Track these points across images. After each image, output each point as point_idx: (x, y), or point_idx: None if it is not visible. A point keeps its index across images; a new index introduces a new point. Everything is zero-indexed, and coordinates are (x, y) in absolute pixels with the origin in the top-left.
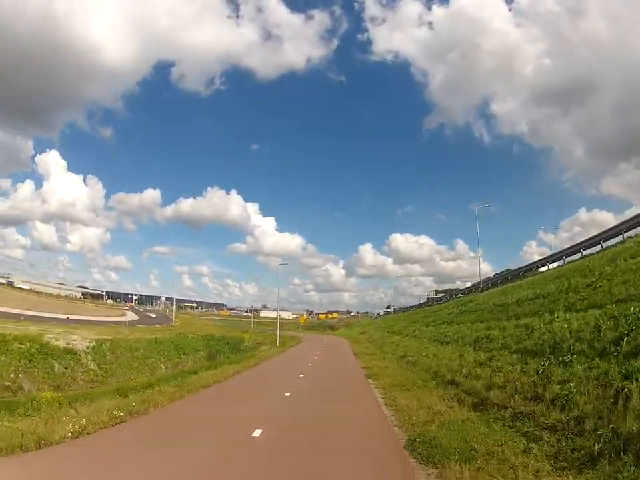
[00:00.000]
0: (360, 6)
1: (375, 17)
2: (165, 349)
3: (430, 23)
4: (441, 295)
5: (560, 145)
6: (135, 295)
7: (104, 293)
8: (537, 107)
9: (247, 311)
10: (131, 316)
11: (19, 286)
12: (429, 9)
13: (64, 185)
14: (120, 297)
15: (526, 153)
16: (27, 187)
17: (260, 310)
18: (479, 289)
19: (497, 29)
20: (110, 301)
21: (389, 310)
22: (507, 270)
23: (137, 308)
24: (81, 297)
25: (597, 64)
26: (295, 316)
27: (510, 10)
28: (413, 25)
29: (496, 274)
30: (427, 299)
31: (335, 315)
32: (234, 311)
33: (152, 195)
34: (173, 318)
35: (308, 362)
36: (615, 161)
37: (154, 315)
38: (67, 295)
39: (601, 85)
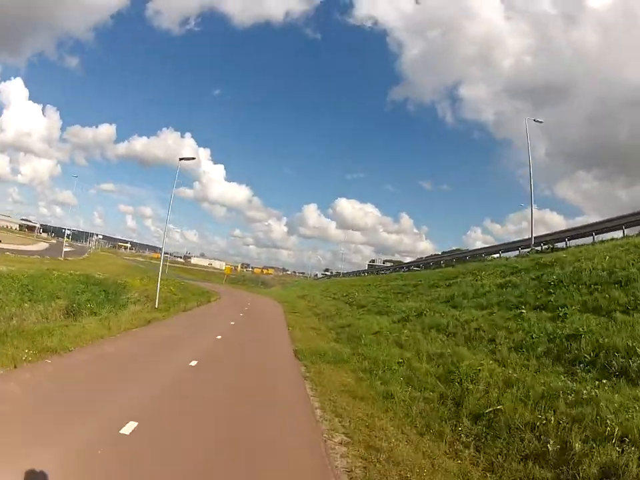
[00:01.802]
0: None
1: None
2: (6, 290)
3: None
4: (389, 264)
5: (522, 140)
6: (69, 229)
7: (38, 226)
8: (507, 99)
9: (180, 257)
10: (42, 246)
11: None
12: None
13: (23, 114)
14: (55, 232)
15: (486, 142)
16: None
17: (191, 256)
18: (422, 267)
19: (484, 16)
20: (44, 234)
21: (327, 273)
22: (455, 250)
23: (61, 241)
24: (16, 229)
25: (577, 72)
26: (228, 266)
27: (502, 1)
28: None
29: (444, 252)
30: (371, 265)
31: (271, 270)
32: (166, 255)
33: (107, 130)
34: (86, 253)
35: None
36: (575, 168)
37: (69, 249)
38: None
39: (576, 93)
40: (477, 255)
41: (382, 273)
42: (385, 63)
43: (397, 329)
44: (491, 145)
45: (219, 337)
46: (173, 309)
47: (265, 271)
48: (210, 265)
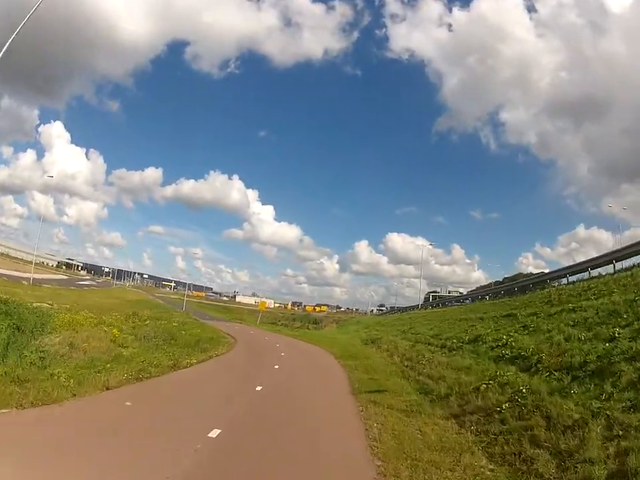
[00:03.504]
0: (380, 1)
1: (395, 14)
2: None
3: (450, 25)
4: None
5: (566, 159)
6: (108, 268)
7: (78, 264)
8: (548, 119)
9: (227, 296)
10: (58, 277)
11: None
12: (450, 10)
13: (66, 156)
14: (95, 270)
15: (531, 164)
16: (29, 156)
17: (237, 295)
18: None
19: (517, 36)
20: (83, 272)
21: (382, 309)
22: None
23: (98, 279)
24: (53, 266)
25: (612, 83)
26: (278, 305)
27: (531, 19)
28: (432, 26)
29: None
30: (433, 297)
31: (324, 307)
32: (209, 294)
33: (153, 173)
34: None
35: None
36: (619, 181)
37: (88, 282)
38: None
39: (613, 105)
40: (540, 281)
41: (448, 305)
42: (427, 94)
43: None
44: (535, 166)
45: None
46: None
47: (317, 309)
48: (256, 304)
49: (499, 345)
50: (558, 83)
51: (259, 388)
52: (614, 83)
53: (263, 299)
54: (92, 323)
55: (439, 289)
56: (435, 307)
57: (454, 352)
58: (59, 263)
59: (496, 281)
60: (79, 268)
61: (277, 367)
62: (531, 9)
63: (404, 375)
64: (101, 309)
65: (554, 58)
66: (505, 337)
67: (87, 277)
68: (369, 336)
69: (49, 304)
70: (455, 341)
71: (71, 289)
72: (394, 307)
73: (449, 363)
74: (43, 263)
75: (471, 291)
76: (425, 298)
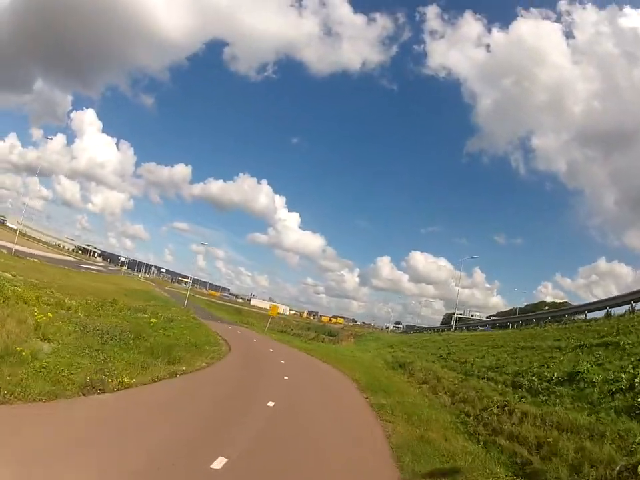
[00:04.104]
0: (421, 17)
1: (435, 31)
2: None
3: (488, 45)
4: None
5: (592, 189)
6: (124, 257)
7: (95, 250)
8: (578, 147)
9: (243, 298)
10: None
11: (9, 225)
12: (489, 31)
13: (95, 145)
14: (112, 259)
15: (558, 192)
16: (59, 140)
17: (252, 298)
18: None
19: (553, 62)
20: (99, 259)
21: (398, 326)
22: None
23: (111, 267)
24: (68, 249)
25: None
26: (293, 312)
27: (568, 46)
28: (470, 45)
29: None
30: (458, 319)
31: (341, 319)
32: (225, 294)
33: (183, 170)
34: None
35: None
36: None
37: (94, 267)
38: (54, 244)
39: None
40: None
41: (473, 329)
42: (461, 114)
43: None
44: (563, 195)
45: None
46: None
47: (333, 320)
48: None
49: (621, 389)
50: (590, 111)
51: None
52: None
53: (277, 304)
54: (46, 302)
55: (461, 312)
56: (458, 329)
57: (540, 396)
58: (75, 247)
59: (519, 308)
60: (95, 254)
61: (271, 404)
62: (569, 35)
63: (469, 430)
64: (83, 291)
65: (588, 86)
66: (623, 375)
67: (101, 263)
68: (394, 357)
69: (12, 274)
70: (533, 378)
71: (61, 267)
72: (413, 326)
73: (542, 416)
74: (59, 245)
75: (491, 315)
76: (443, 319)
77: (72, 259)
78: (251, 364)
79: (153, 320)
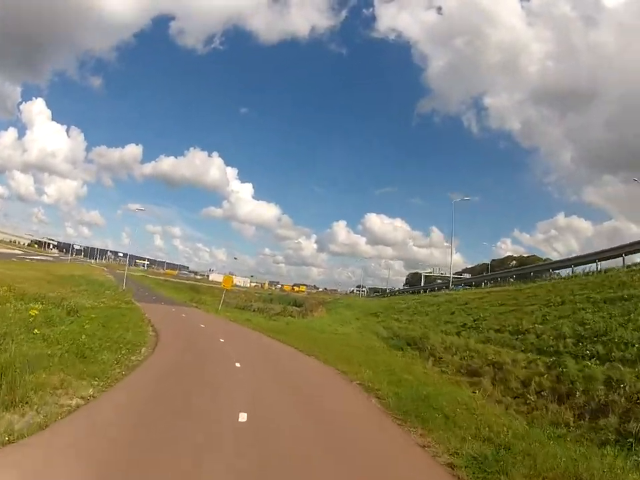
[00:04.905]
0: None
1: None
2: None
3: (439, 8)
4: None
5: (548, 147)
6: (79, 245)
7: (50, 242)
8: (532, 106)
9: (202, 275)
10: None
11: None
12: None
13: (46, 134)
14: (67, 248)
15: (512, 151)
16: (10, 135)
17: (209, 274)
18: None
19: (507, 23)
20: (54, 250)
21: (361, 289)
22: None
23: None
24: (24, 244)
25: (599, 74)
26: (254, 284)
27: (522, 8)
28: (421, 8)
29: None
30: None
31: (303, 287)
32: (183, 272)
33: (133, 150)
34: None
35: None
36: (601, 172)
37: (40, 257)
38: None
39: (599, 96)
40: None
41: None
42: (412, 76)
43: None
44: (518, 153)
45: None
46: None
47: (296, 289)
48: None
49: None
50: (546, 72)
51: None
52: (600, 75)
53: (235, 276)
54: None
55: (430, 270)
56: (429, 290)
57: None
58: (31, 242)
59: (482, 264)
60: (51, 246)
61: None
62: None
63: None
64: None
65: (543, 47)
66: None
67: (55, 254)
68: (390, 330)
69: None
70: None
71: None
72: (378, 289)
73: None
74: (14, 241)
75: (457, 274)
76: (407, 280)
77: (19, 252)
78: (180, 380)
79: (32, 312)
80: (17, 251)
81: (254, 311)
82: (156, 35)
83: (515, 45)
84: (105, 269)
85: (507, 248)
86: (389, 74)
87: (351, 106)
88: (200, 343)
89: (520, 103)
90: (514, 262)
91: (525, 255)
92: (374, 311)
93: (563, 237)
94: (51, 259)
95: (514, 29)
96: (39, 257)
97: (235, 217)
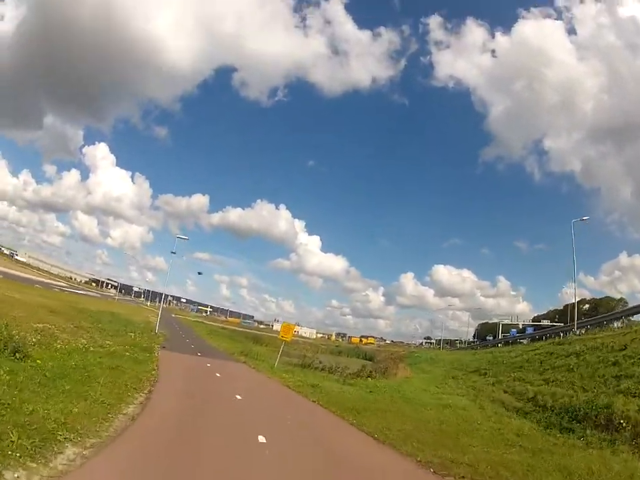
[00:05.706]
0: (424, 28)
1: (440, 41)
2: None
3: (493, 51)
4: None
5: (608, 184)
6: (138, 288)
7: (109, 282)
8: (591, 145)
9: (266, 325)
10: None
11: (17, 258)
12: (492, 36)
13: (110, 179)
14: (126, 290)
15: (574, 193)
16: (73, 176)
17: (275, 322)
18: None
19: (560, 60)
20: (112, 290)
21: (431, 341)
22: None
23: (110, 293)
24: (81, 281)
25: None
26: (320, 335)
27: (571, 42)
28: (476, 52)
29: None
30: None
31: (372, 339)
32: (246, 321)
33: (200, 199)
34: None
35: None
36: None
37: (93, 294)
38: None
39: None
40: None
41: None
42: (473, 123)
43: None
44: (579, 195)
45: None
46: None
47: (364, 340)
48: (296, 333)
49: None
50: (600, 107)
51: None
52: None
53: (301, 326)
54: None
55: (508, 319)
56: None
57: None
58: (89, 280)
59: (553, 310)
60: (110, 286)
61: None
62: (571, 31)
63: None
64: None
65: (596, 81)
66: None
67: (111, 293)
68: (517, 395)
69: None
70: None
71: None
72: (446, 340)
73: None
74: (70, 277)
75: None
76: (475, 331)
77: (63, 284)
78: None
79: None
80: (61, 283)
81: (321, 370)
82: (219, 86)
83: (570, 82)
84: (154, 309)
85: (572, 293)
86: (452, 122)
87: (415, 156)
88: (215, 453)
89: (579, 143)
90: (587, 305)
91: (598, 298)
92: (474, 367)
93: (627, 277)
94: (96, 294)
95: (567, 65)
96: (79, 291)
97: (302, 269)
